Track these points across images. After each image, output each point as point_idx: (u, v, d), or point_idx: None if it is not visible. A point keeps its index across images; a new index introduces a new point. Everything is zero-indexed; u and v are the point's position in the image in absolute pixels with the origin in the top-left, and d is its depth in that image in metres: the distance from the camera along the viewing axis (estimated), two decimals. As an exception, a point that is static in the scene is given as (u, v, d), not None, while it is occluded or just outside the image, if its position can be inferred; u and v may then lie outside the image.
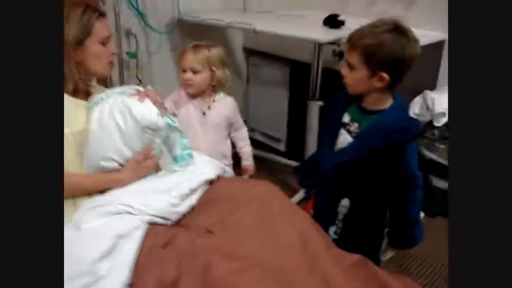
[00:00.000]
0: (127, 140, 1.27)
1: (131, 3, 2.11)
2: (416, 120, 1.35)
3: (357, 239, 1.44)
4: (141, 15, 2.20)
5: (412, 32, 1.27)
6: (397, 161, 1.30)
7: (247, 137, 1.89)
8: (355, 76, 1.29)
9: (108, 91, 1.41)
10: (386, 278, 1.14)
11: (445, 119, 2.12)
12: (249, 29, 2.08)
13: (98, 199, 1.24)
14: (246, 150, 1.89)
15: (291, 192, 2.48)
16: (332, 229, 1.46)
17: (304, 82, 2.59)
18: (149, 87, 1.72)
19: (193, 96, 1.78)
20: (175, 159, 1.38)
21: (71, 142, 1.31)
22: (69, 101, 1.37)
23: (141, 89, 1.44)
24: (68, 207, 1.28)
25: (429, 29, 2.40)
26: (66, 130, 1.31)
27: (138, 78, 2.37)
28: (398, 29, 1.24)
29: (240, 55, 2.84)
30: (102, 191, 1.29)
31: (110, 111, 1.29)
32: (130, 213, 1.19)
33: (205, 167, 1.41)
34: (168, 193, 1.27)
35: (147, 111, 1.27)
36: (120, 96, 1.36)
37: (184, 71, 1.73)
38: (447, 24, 2.31)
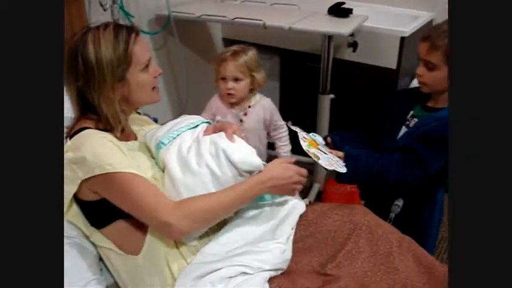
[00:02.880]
0: (221, 186, 1.10)
1: (119, 6, 1.81)
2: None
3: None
4: (128, 16, 1.92)
5: None
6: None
7: (286, 137, 1.81)
8: (435, 75, 1.27)
9: (170, 126, 1.20)
10: None
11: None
12: (258, 25, 1.91)
13: (201, 262, 1.06)
14: (284, 150, 1.81)
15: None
16: None
17: (297, 72, 2.49)
18: (219, 118, 1.54)
19: (232, 104, 1.71)
20: (260, 197, 1.21)
21: None
22: (125, 149, 1.11)
23: (200, 119, 1.26)
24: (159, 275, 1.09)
25: (417, 9, 2.41)
26: None
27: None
28: None
29: (220, 47, 2.63)
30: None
31: (198, 154, 1.10)
32: (247, 273, 1.05)
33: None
34: (274, 238, 1.14)
35: (245, 153, 1.11)
36: (192, 132, 1.17)
37: (224, 79, 1.64)
38: (433, 3, 2.26)
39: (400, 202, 1.42)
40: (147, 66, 1.16)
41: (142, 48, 1.15)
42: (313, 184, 2.35)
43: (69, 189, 1.06)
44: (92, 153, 1.02)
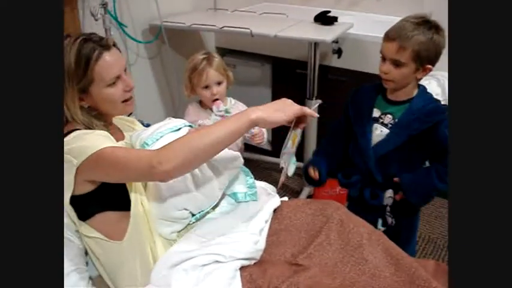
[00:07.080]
0: (201, 185, 1.17)
1: (111, 15, 1.90)
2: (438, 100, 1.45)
3: (401, 227, 1.53)
4: (120, 25, 2.00)
5: None
6: (437, 138, 1.37)
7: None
8: (403, 72, 1.35)
9: (155, 128, 1.27)
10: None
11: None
12: (245, 33, 1.99)
13: (176, 251, 1.12)
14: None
15: (288, 192, 2.47)
16: (380, 222, 1.53)
17: (287, 79, 2.56)
18: (200, 121, 1.61)
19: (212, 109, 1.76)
20: (234, 195, 1.28)
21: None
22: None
23: (183, 122, 1.33)
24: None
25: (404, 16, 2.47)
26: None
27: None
28: (437, 25, 1.33)
29: (214, 56, 2.71)
30: None
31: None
32: (219, 261, 1.10)
33: (263, 194, 1.33)
34: (247, 229, 1.19)
35: (226, 153, 1.18)
36: (175, 134, 1.24)
37: (207, 87, 1.70)
38: (420, 9, 2.33)
39: (391, 194, 1.49)
40: (114, 82, 1.17)
41: (109, 66, 1.15)
42: (303, 188, 2.41)
43: (68, 179, 1.09)
44: (80, 140, 1.07)
